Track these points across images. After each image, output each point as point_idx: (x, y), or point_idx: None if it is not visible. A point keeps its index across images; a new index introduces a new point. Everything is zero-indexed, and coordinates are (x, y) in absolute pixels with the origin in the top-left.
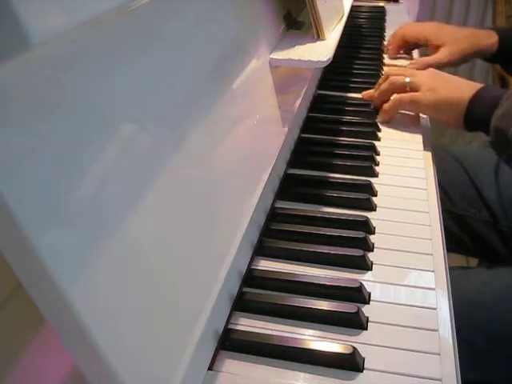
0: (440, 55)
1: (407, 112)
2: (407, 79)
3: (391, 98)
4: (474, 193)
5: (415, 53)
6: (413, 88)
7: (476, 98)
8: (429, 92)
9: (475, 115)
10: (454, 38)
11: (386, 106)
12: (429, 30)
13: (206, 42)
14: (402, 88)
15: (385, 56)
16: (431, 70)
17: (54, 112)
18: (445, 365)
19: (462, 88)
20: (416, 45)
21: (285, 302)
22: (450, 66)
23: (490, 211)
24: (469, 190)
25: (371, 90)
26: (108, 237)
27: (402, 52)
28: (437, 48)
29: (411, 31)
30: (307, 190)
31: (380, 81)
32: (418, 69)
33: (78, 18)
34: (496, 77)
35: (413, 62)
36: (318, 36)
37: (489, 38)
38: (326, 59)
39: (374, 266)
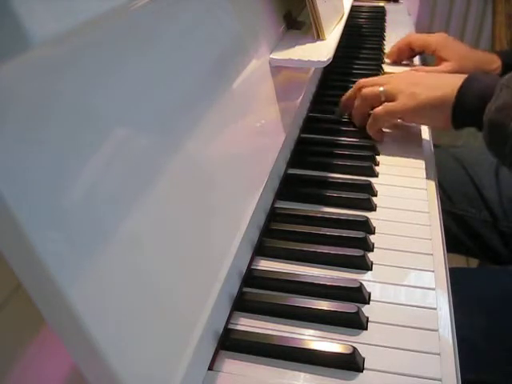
0: (443, 69)
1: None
2: (381, 88)
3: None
4: (474, 193)
5: (416, 59)
6: (388, 97)
7: (463, 90)
8: (407, 98)
9: (464, 110)
10: (461, 56)
11: (367, 127)
12: (437, 40)
13: (206, 42)
14: (377, 99)
15: (385, 56)
16: (407, 71)
17: (53, 113)
18: (445, 365)
19: (444, 84)
20: (421, 53)
21: (285, 302)
22: None
23: (491, 211)
24: (469, 189)
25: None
26: (108, 237)
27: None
28: (441, 60)
29: (418, 39)
30: (307, 190)
31: (350, 92)
32: None
33: (78, 19)
34: None
35: (413, 69)
36: (318, 36)
37: (492, 63)
38: (325, 59)
39: (374, 265)
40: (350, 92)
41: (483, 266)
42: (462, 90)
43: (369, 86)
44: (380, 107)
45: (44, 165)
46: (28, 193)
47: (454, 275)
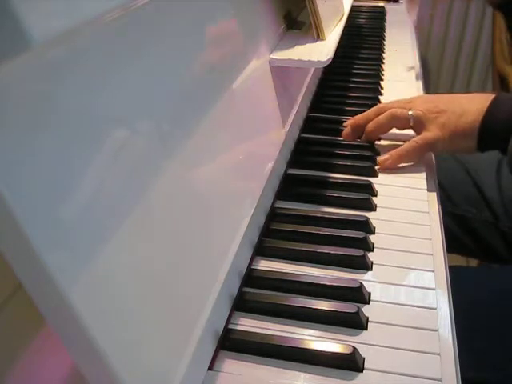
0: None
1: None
2: (410, 112)
3: (402, 147)
4: (475, 193)
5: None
6: (417, 123)
7: (488, 117)
8: (438, 129)
9: (490, 137)
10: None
11: (394, 154)
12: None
13: (206, 42)
14: (405, 123)
15: (384, 56)
16: (425, 97)
17: (54, 113)
18: (445, 365)
19: (470, 109)
20: None
21: (285, 302)
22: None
23: (492, 211)
24: (470, 190)
25: (349, 122)
26: (108, 237)
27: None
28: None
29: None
30: (307, 190)
31: (368, 113)
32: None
33: (78, 19)
34: (496, 77)
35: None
36: (318, 36)
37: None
38: (326, 59)
39: (374, 265)
40: (368, 113)
41: (483, 265)
42: (488, 116)
43: (396, 107)
44: (418, 141)
45: (44, 165)
46: (28, 193)
47: (454, 275)
